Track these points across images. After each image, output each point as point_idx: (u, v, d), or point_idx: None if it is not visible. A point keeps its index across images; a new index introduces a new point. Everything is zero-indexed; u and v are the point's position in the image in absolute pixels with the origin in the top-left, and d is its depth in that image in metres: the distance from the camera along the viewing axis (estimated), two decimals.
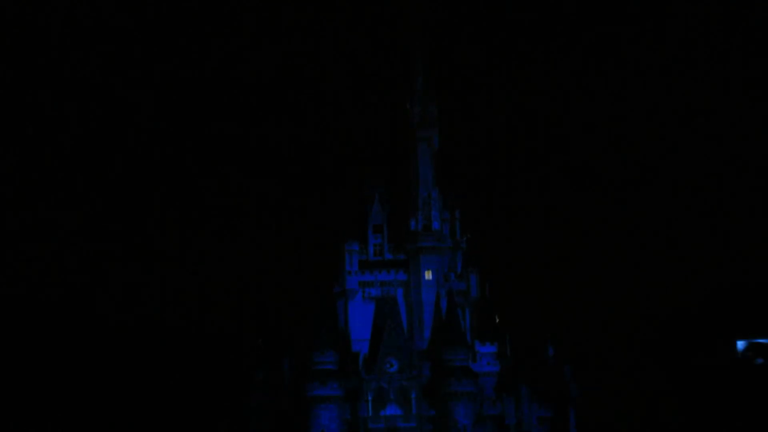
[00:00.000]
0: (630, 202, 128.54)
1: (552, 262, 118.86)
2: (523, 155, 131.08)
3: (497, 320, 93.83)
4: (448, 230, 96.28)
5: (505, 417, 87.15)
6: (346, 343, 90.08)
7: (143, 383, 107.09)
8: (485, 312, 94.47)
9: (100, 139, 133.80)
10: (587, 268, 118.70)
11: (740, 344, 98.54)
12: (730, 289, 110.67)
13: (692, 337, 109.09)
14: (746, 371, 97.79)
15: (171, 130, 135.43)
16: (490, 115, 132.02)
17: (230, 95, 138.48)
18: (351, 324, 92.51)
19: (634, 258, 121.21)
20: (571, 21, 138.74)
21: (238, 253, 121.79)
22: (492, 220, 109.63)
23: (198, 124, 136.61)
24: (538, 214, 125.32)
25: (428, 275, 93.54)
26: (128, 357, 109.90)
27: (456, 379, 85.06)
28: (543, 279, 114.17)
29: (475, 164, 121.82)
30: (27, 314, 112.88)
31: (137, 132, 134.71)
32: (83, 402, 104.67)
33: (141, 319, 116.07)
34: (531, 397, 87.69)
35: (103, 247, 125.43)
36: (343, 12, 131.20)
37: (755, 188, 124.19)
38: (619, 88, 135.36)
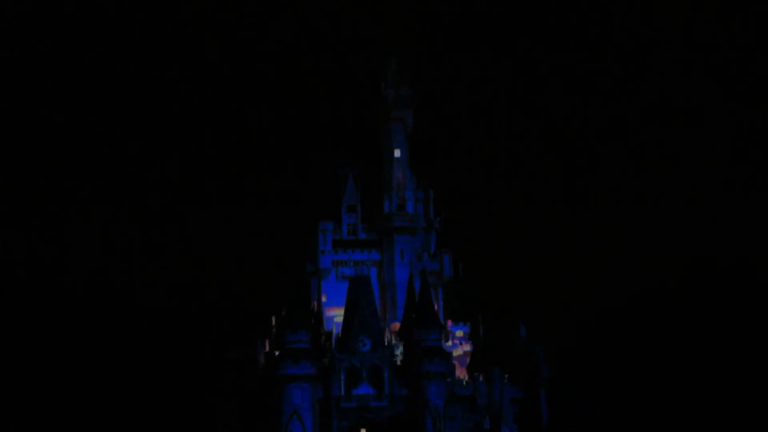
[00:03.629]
0: (604, 183, 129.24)
1: (525, 243, 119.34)
2: (497, 136, 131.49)
3: (470, 302, 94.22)
4: (422, 210, 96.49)
5: (477, 397, 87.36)
6: (319, 322, 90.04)
7: (113, 364, 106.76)
8: (458, 292, 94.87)
9: (73, 122, 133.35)
10: (560, 250, 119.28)
11: None
12: (702, 272, 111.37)
13: (659, 318, 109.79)
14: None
15: (147, 112, 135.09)
16: (465, 96, 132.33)
17: (205, 75, 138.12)
18: (324, 303, 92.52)
19: (608, 239, 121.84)
20: (546, 5, 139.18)
21: (212, 233, 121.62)
22: (466, 200, 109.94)
23: (174, 105, 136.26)
24: (512, 195, 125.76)
25: (401, 255, 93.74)
26: (98, 337, 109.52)
27: (428, 359, 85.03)
28: (516, 260, 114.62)
29: (449, 145, 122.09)
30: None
31: (115, 112, 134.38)
32: (52, 384, 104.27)
33: (112, 298, 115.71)
34: (502, 378, 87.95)
35: (74, 224, 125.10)
36: None
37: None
38: (593, 71, 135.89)
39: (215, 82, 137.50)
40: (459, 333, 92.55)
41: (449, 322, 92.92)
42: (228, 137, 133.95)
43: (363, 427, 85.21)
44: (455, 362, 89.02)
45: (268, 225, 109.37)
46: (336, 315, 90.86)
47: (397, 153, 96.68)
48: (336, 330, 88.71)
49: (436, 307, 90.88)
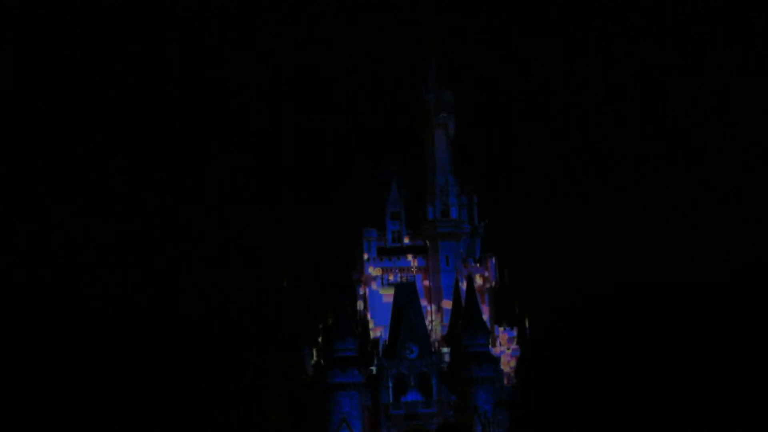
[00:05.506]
0: (650, 184, 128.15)
1: (570, 245, 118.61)
2: (539, 139, 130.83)
3: (516, 306, 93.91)
4: (466, 216, 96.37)
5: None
6: (365, 330, 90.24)
7: (160, 371, 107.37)
8: (504, 297, 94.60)
9: (103, 128, 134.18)
10: (606, 252, 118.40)
11: None
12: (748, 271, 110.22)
13: (704, 321, 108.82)
14: None
15: (187, 117, 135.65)
16: (506, 100, 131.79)
17: (249, 83, 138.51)
18: (370, 310, 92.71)
19: (654, 241, 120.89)
20: (587, 5, 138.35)
21: (257, 240, 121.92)
22: (510, 204, 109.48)
23: (215, 111, 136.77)
24: (556, 198, 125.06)
25: (447, 261, 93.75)
26: (145, 344, 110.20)
27: (476, 365, 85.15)
28: (562, 263, 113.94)
29: (492, 149, 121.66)
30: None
31: (154, 117, 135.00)
32: (97, 391, 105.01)
33: (158, 306, 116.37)
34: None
35: (118, 234, 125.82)
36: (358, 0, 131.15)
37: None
38: (636, 71, 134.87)
39: (255, 87, 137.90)
40: (506, 338, 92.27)
41: (496, 327, 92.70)
42: (273, 144, 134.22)
43: None
44: (503, 367, 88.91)
45: (313, 232, 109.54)
46: (382, 322, 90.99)
47: (440, 158, 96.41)
48: (383, 337, 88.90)
49: (482, 312, 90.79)
